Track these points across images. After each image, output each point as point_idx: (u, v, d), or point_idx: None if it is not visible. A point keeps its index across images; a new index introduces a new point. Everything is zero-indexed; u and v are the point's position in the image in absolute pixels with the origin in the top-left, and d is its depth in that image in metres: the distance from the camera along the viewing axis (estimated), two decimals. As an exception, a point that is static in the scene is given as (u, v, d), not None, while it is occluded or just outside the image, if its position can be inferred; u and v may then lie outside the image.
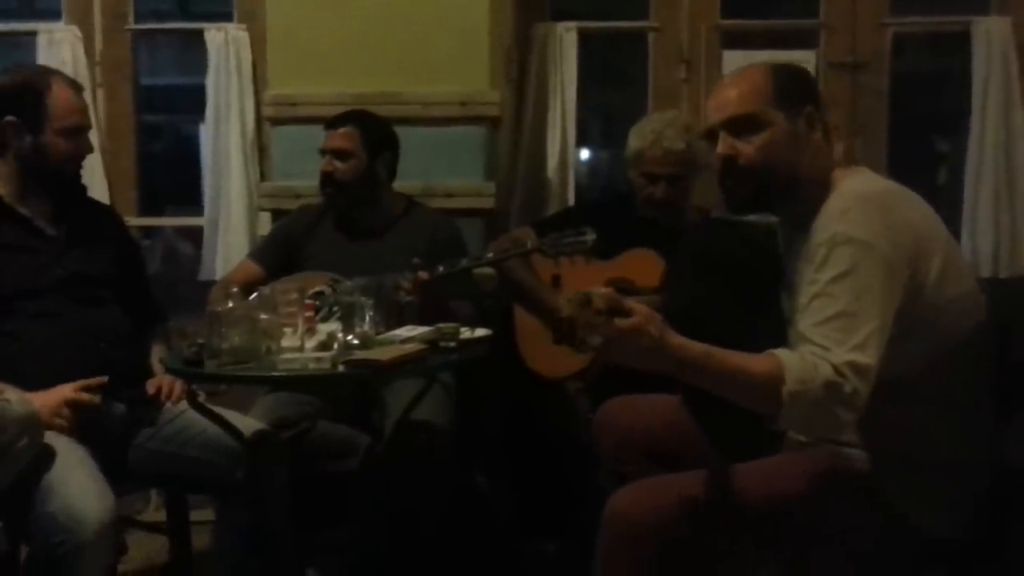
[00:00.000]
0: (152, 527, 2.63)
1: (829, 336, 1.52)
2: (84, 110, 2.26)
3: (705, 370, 1.51)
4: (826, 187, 1.70)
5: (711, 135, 1.76)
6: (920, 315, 1.60)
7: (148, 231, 3.89)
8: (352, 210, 2.72)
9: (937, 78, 3.98)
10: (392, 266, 2.43)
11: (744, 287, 2.27)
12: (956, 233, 3.36)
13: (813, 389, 1.48)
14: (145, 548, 2.73)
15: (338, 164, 2.66)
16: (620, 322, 1.43)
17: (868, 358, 1.51)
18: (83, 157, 2.28)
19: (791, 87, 1.72)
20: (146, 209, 3.79)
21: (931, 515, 1.66)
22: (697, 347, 1.50)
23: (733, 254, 2.58)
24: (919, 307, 1.60)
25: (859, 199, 1.62)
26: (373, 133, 2.70)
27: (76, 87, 2.27)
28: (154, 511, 2.91)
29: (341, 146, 2.66)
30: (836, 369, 1.49)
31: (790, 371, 1.49)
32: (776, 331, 1.76)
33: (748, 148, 1.70)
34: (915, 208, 1.67)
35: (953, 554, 1.67)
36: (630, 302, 1.45)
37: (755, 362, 1.52)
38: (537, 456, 2.82)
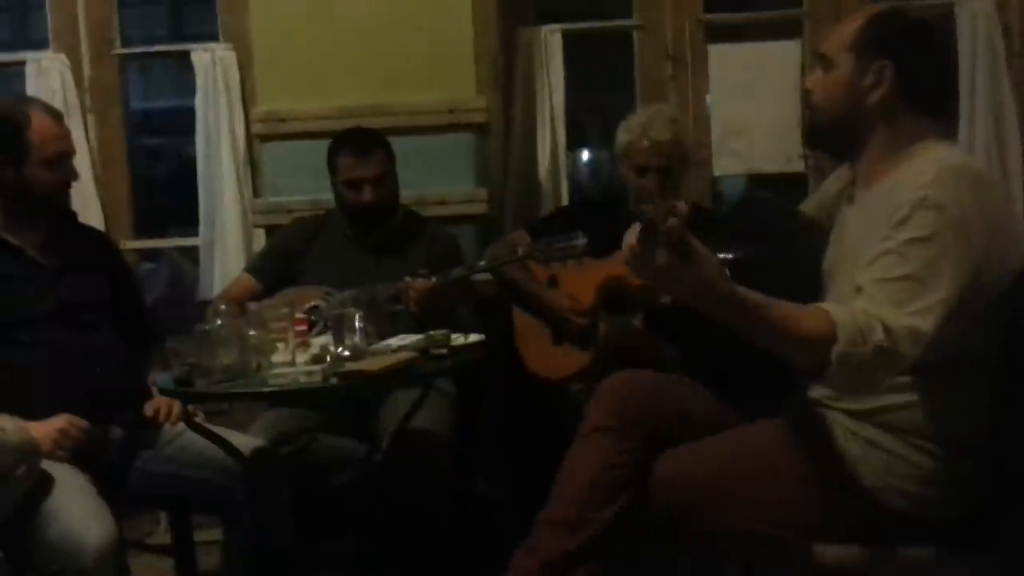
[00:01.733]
0: (159, 549, 2.63)
1: (891, 295, 1.50)
2: (65, 137, 2.26)
3: (756, 319, 1.48)
4: (904, 152, 1.68)
5: None
6: (974, 297, 1.58)
7: (152, 254, 3.90)
8: (374, 228, 2.70)
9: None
10: (389, 277, 2.44)
11: (781, 255, 2.27)
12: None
13: (864, 352, 1.46)
14: (156, 571, 2.73)
15: (382, 191, 2.64)
16: (681, 257, 1.39)
17: (926, 325, 1.49)
18: (69, 185, 2.28)
19: (877, 36, 1.70)
20: (149, 231, 3.80)
21: (904, 493, 1.65)
22: (750, 294, 1.47)
23: (771, 229, 2.59)
24: (976, 290, 1.57)
25: (950, 169, 1.60)
26: (391, 150, 2.70)
27: (55, 115, 2.27)
28: (164, 533, 2.91)
29: (380, 172, 2.64)
30: (888, 331, 1.47)
31: (843, 331, 1.46)
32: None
33: (817, 84, 1.75)
34: (996, 187, 1.71)
35: (941, 534, 1.66)
36: (694, 242, 1.41)
37: (806, 318, 1.50)
38: (539, 460, 2.81)
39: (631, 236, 1.44)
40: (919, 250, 1.53)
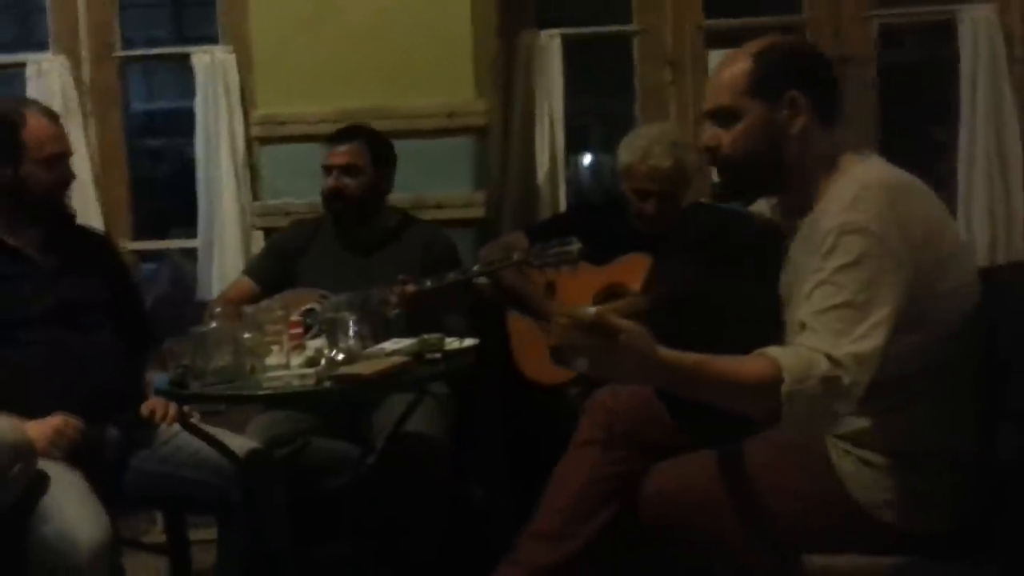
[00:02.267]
0: (154, 548, 2.63)
1: (830, 326, 1.50)
2: (61, 137, 2.26)
3: (696, 380, 1.47)
4: (826, 173, 1.68)
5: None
6: (922, 309, 1.58)
7: (152, 255, 3.92)
8: (355, 225, 2.72)
9: (932, 68, 3.97)
10: (385, 279, 2.45)
11: (737, 265, 2.28)
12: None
13: (810, 386, 1.45)
14: (151, 569, 2.74)
15: (347, 180, 2.66)
16: (604, 342, 1.38)
17: (870, 346, 1.49)
18: (66, 185, 2.29)
19: (772, 72, 1.68)
20: (150, 232, 3.81)
21: (897, 509, 1.65)
22: (685, 358, 1.46)
23: (723, 234, 2.59)
24: (922, 301, 1.58)
25: (868, 188, 1.59)
26: (379, 148, 2.72)
27: (52, 115, 2.27)
28: (160, 532, 2.92)
29: (350, 162, 2.66)
30: (833, 361, 1.46)
31: (787, 369, 1.45)
32: (774, 305, 1.76)
33: (727, 139, 1.70)
34: (923, 198, 1.65)
35: (928, 547, 1.67)
36: (616, 320, 1.40)
37: (749, 365, 1.49)
38: (536, 466, 2.81)
39: (553, 327, 1.43)
40: (849, 276, 1.53)
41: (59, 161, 2.24)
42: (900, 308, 1.54)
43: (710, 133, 1.73)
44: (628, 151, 2.68)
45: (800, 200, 1.71)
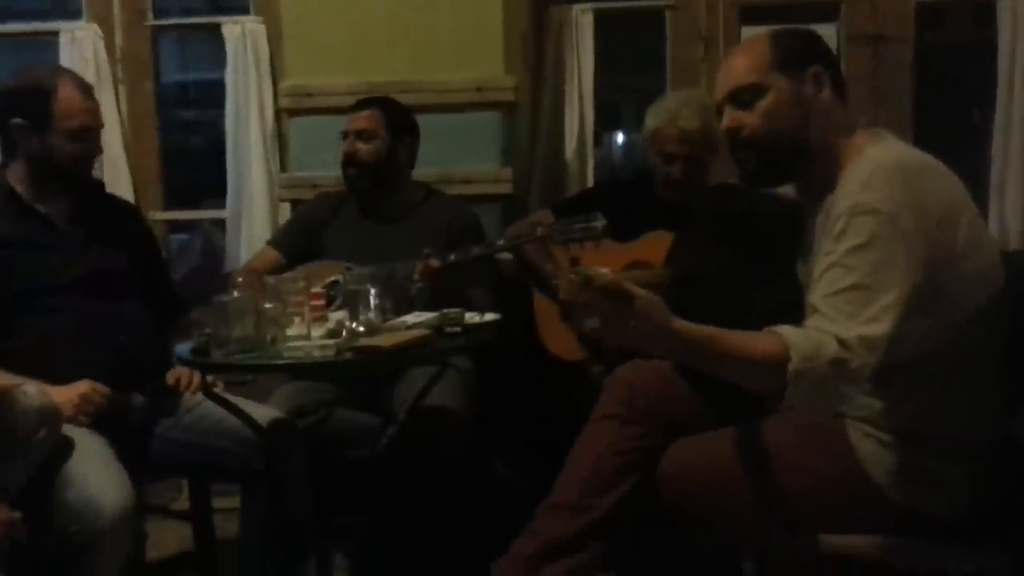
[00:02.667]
0: (179, 515, 2.67)
1: (841, 308, 1.49)
2: (92, 111, 2.26)
3: (708, 353, 1.48)
4: (845, 152, 1.67)
5: (720, 110, 1.74)
6: (938, 291, 1.56)
7: (183, 225, 3.96)
8: (372, 193, 2.73)
9: (972, 50, 3.89)
10: (409, 254, 2.44)
11: (762, 248, 2.25)
12: (985, 206, 3.30)
13: (819, 366, 1.45)
14: (178, 536, 2.78)
15: (360, 145, 2.69)
16: (618, 306, 1.39)
17: (879, 329, 1.48)
18: (92, 159, 2.30)
19: (793, 49, 1.70)
20: (182, 203, 3.84)
21: (915, 492, 1.64)
22: (699, 330, 1.46)
23: (749, 216, 2.57)
24: (938, 283, 1.56)
25: (882, 168, 1.58)
26: (396, 117, 2.73)
27: (85, 88, 2.27)
28: (186, 500, 2.96)
29: (364, 127, 2.69)
30: (843, 344, 1.46)
31: (795, 349, 1.45)
32: (793, 293, 1.74)
33: (751, 118, 1.69)
34: (940, 179, 1.63)
35: (943, 532, 1.65)
36: (631, 286, 1.41)
37: (759, 342, 1.49)
38: (557, 442, 2.82)
39: (563, 284, 1.43)
40: (860, 257, 1.52)
41: (86, 134, 2.24)
42: (912, 290, 1.52)
43: (732, 116, 1.71)
44: (655, 116, 2.65)
45: (820, 182, 1.69)
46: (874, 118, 3.37)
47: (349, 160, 2.70)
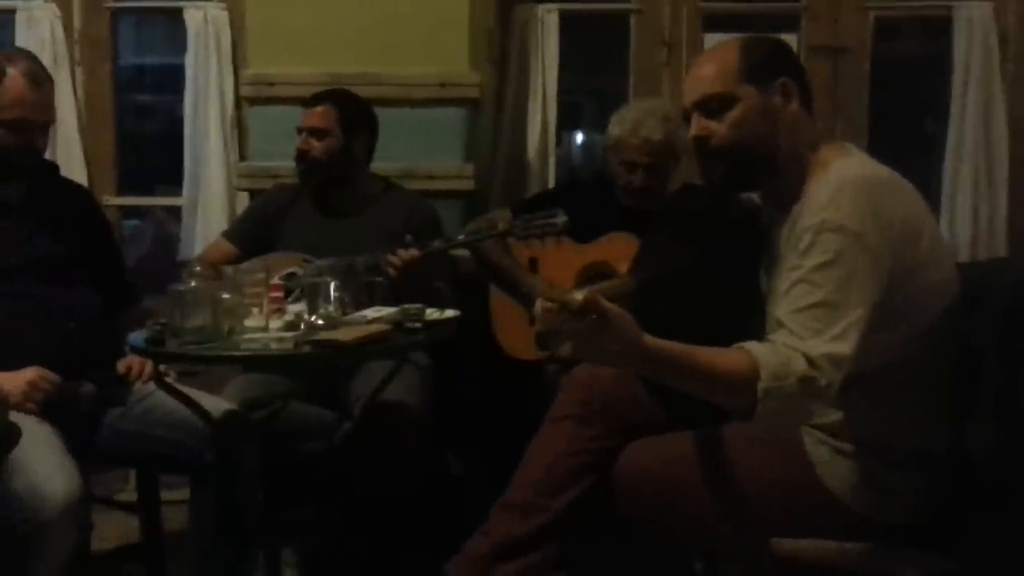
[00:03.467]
0: (126, 506, 2.63)
1: (807, 325, 1.50)
2: (36, 104, 2.15)
3: (676, 369, 1.47)
4: (811, 164, 1.68)
5: (688, 116, 1.74)
6: (897, 305, 1.59)
7: (137, 212, 3.89)
8: (326, 189, 2.71)
9: (927, 63, 3.97)
10: (366, 247, 2.43)
11: (725, 248, 2.27)
12: (937, 217, 3.36)
13: (788, 384, 1.46)
14: (122, 527, 2.74)
15: (314, 142, 2.66)
16: (590, 325, 1.37)
17: (845, 348, 1.49)
18: (33, 153, 2.20)
19: (763, 59, 1.69)
20: (135, 188, 3.78)
21: (867, 499, 1.67)
22: (668, 346, 1.46)
23: (712, 217, 2.58)
24: (898, 297, 1.58)
25: (849, 184, 1.59)
26: (350, 112, 2.70)
27: (37, 80, 2.16)
28: (132, 490, 2.92)
29: (317, 124, 2.66)
30: (811, 362, 1.47)
31: (764, 367, 1.46)
32: (755, 299, 1.76)
33: (720, 127, 1.68)
34: (903, 193, 1.65)
35: (895, 538, 1.68)
36: (605, 302, 1.39)
37: (727, 359, 1.49)
38: (512, 439, 2.82)
39: (538, 312, 1.40)
40: (826, 275, 1.53)
41: (25, 129, 2.14)
42: (877, 306, 1.54)
43: (701, 124, 1.70)
44: (619, 124, 2.67)
45: (786, 193, 1.70)
46: (831, 128, 3.43)
47: (302, 157, 2.68)
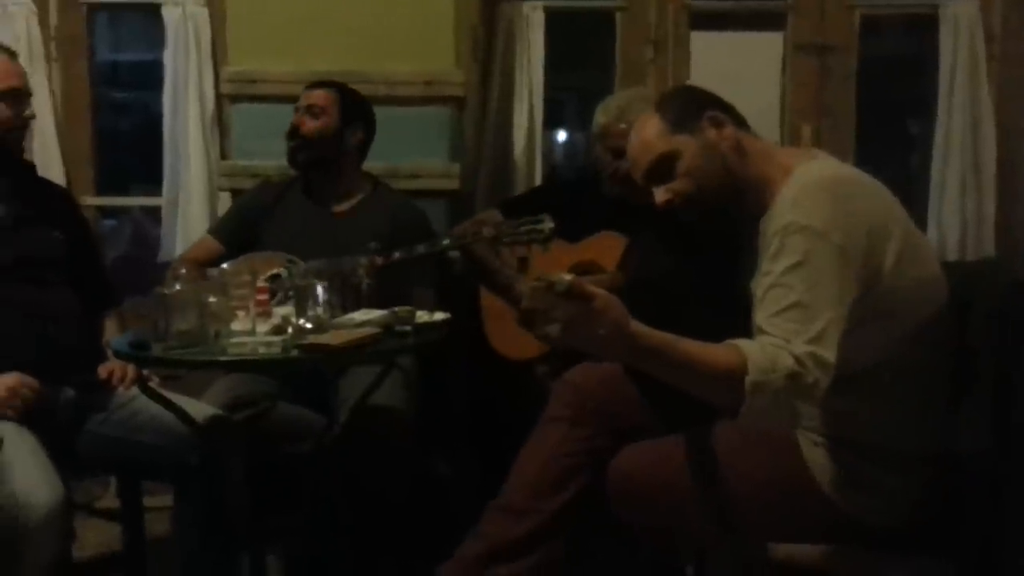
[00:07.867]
0: (107, 514, 2.58)
1: (785, 328, 1.50)
2: (16, 75, 2.19)
3: (665, 360, 1.47)
4: (773, 173, 1.69)
5: (650, 194, 1.77)
6: (877, 303, 1.59)
7: (115, 212, 3.83)
8: (312, 171, 2.68)
9: (913, 61, 3.99)
10: (352, 247, 2.39)
11: (711, 249, 2.26)
12: (924, 217, 3.37)
13: (775, 379, 1.46)
14: (103, 535, 2.69)
15: (308, 119, 2.65)
16: (578, 308, 1.37)
17: (826, 351, 1.49)
18: (25, 126, 2.22)
19: (680, 107, 1.74)
20: (112, 188, 3.72)
21: (862, 501, 1.66)
22: (656, 335, 1.45)
23: (704, 224, 2.57)
24: (876, 295, 1.58)
25: (810, 186, 1.60)
26: (350, 102, 2.70)
27: (10, 53, 2.21)
28: (113, 497, 2.87)
29: (316, 103, 2.66)
30: (797, 360, 1.47)
31: (753, 362, 1.46)
32: (741, 302, 1.75)
33: (678, 184, 1.73)
34: (870, 193, 1.65)
35: (889, 541, 1.67)
36: (592, 287, 1.40)
37: (717, 352, 1.49)
38: (502, 442, 2.80)
39: (526, 291, 1.41)
40: (797, 276, 1.54)
41: (16, 97, 2.17)
42: (851, 302, 1.55)
43: (661, 192, 1.74)
44: (605, 112, 2.65)
45: (756, 206, 1.71)
46: (818, 126, 3.43)
47: (294, 132, 2.66)
